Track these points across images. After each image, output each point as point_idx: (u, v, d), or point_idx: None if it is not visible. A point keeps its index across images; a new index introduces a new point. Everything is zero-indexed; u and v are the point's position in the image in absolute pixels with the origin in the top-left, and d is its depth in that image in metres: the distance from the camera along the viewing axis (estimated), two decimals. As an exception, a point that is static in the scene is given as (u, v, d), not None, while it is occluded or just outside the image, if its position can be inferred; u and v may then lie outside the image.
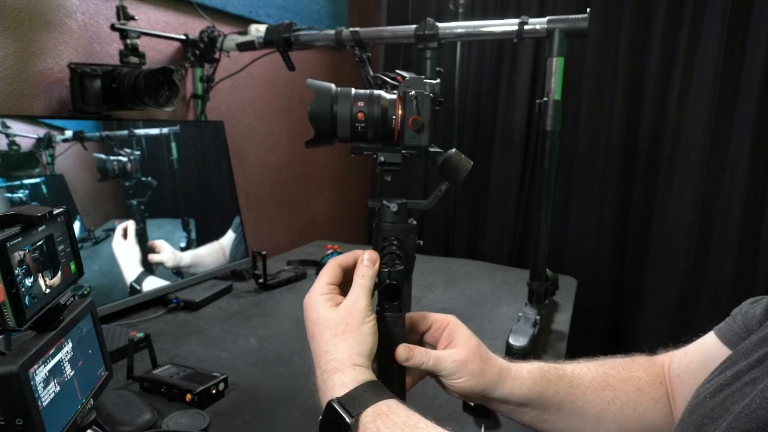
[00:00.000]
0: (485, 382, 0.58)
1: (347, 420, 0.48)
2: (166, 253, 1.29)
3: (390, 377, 0.57)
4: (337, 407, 0.49)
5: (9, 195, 0.97)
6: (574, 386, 0.61)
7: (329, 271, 0.58)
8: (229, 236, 1.50)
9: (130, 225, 1.20)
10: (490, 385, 0.59)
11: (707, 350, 0.59)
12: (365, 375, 0.52)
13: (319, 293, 0.57)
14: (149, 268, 1.24)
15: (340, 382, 0.51)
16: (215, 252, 1.45)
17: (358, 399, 0.49)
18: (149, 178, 1.26)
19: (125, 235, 1.19)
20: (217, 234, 1.46)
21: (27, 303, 0.48)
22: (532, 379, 0.60)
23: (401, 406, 0.50)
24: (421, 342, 0.63)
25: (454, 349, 0.59)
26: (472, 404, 0.86)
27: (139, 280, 1.21)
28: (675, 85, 1.82)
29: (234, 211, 1.54)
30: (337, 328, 0.54)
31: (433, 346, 0.62)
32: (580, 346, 1.15)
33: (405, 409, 0.49)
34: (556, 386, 0.61)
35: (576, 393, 0.61)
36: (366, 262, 0.58)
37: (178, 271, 1.32)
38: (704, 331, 0.61)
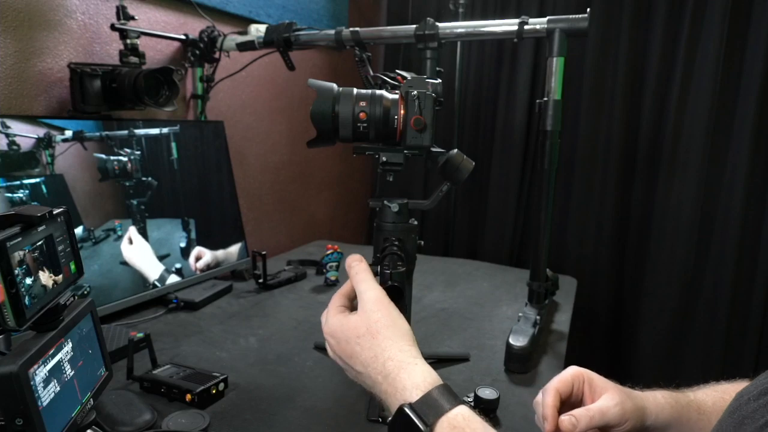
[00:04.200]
0: (638, 415, 0.57)
1: (422, 429, 0.46)
2: (208, 256, 1.42)
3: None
4: (410, 413, 0.47)
5: (9, 195, 0.97)
6: (701, 413, 0.62)
7: (335, 299, 0.58)
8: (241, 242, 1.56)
9: (132, 230, 1.22)
10: (642, 416, 0.58)
11: None
12: (431, 374, 0.50)
13: (333, 314, 0.56)
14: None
15: (411, 382, 0.49)
16: (237, 251, 1.53)
17: (433, 406, 0.47)
18: (149, 178, 1.26)
19: (131, 241, 1.21)
20: (217, 234, 1.46)
21: (27, 303, 0.48)
22: (669, 405, 0.60)
23: (474, 416, 0.48)
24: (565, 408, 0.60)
25: (606, 395, 0.57)
26: (471, 404, 0.86)
27: (162, 279, 1.27)
28: (675, 85, 1.82)
29: (234, 211, 1.54)
30: (371, 329, 0.52)
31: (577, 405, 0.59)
32: (580, 346, 1.15)
33: (480, 421, 0.48)
34: (688, 412, 0.61)
35: (703, 419, 0.61)
36: (353, 263, 0.57)
37: (178, 271, 1.32)
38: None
